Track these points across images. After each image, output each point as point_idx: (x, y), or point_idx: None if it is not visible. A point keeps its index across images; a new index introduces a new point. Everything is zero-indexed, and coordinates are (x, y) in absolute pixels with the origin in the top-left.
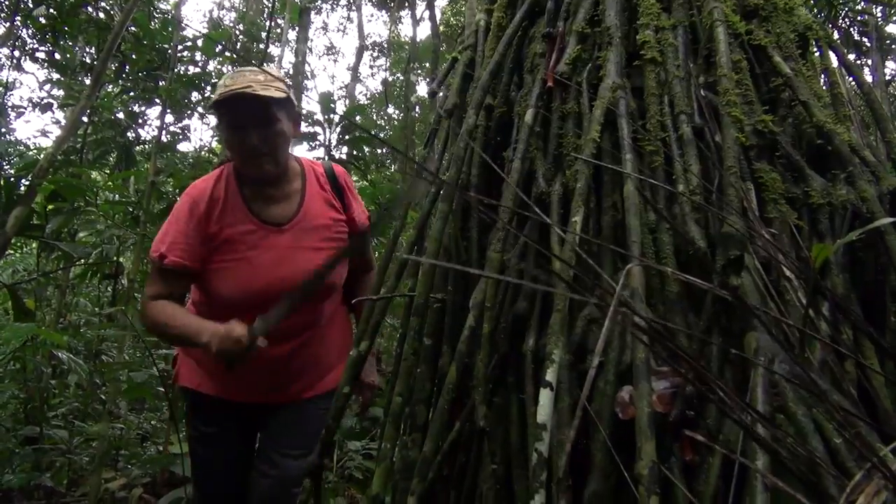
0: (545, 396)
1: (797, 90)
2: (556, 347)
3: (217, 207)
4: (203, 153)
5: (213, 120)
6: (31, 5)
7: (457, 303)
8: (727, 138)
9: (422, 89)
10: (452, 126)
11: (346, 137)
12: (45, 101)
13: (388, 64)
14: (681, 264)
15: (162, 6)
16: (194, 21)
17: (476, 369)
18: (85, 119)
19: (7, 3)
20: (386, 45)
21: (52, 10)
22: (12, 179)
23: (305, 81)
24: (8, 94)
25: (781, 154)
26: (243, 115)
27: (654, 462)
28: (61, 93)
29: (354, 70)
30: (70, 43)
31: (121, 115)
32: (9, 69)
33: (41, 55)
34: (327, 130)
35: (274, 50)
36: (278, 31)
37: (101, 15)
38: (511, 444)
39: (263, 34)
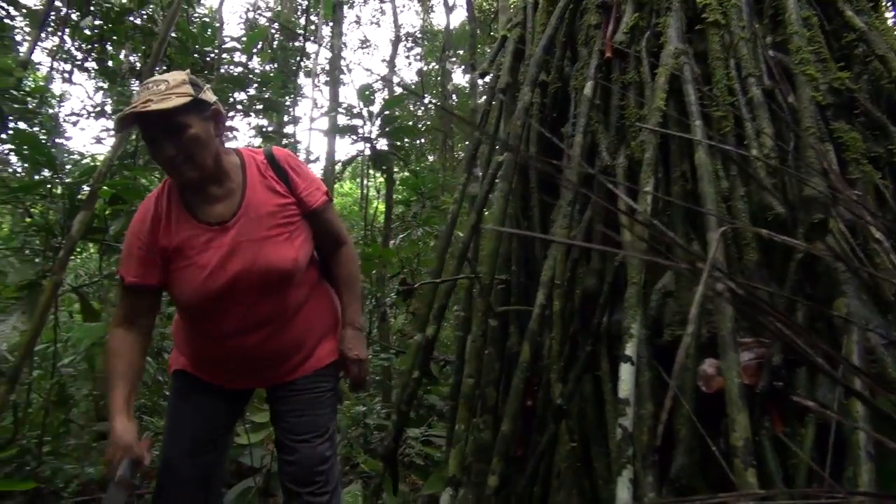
0: (626, 371)
1: (872, 44)
2: (633, 321)
3: (161, 221)
4: None
5: (254, 119)
6: (75, 18)
7: (521, 283)
8: (802, 98)
9: (458, 77)
10: (506, 105)
11: (387, 129)
12: (98, 108)
13: (422, 53)
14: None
15: (198, 10)
16: (231, 23)
17: (549, 348)
18: None
19: (54, 17)
20: (420, 35)
21: (98, 21)
22: (73, 186)
23: (342, 76)
24: (60, 105)
25: (860, 112)
26: (149, 129)
27: (748, 434)
28: (110, 101)
29: (391, 61)
30: (116, 51)
31: None
32: (60, 82)
33: (90, 65)
34: (367, 123)
35: (310, 47)
36: (313, 27)
37: (143, 21)
38: (588, 421)
39: (298, 31)
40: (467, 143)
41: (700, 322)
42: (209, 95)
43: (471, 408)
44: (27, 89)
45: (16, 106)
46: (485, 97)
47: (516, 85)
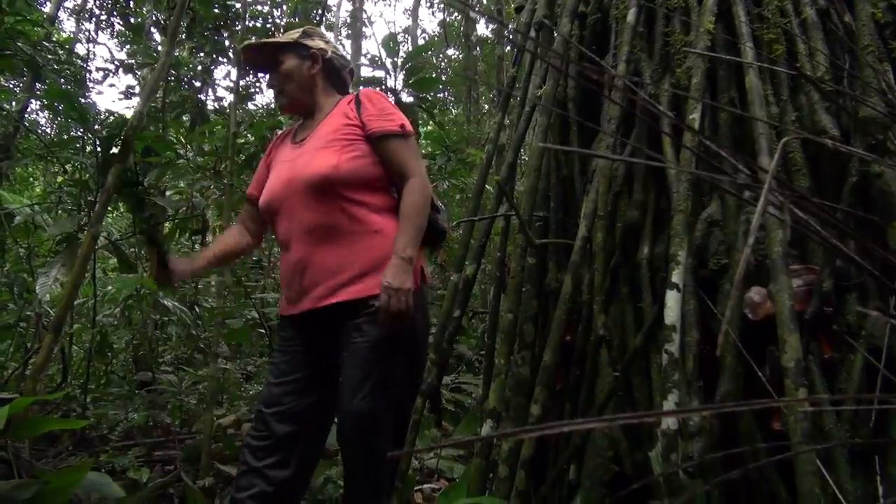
0: (672, 298)
1: None
2: (680, 249)
3: (276, 144)
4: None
5: None
6: None
7: (560, 220)
8: (861, 16)
9: (482, 28)
10: (542, 39)
11: (411, 81)
12: (124, 63)
13: (444, 3)
14: (810, 156)
15: None
16: None
17: (589, 281)
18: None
19: None
20: None
21: None
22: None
23: (364, 28)
24: (86, 64)
25: None
26: (256, 62)
27: (799, 355)
28: (137, 57)
29: (414, 12)
30: (138, 7)
31: (193, 74)
32: (84, 42)
33: (115, 21)
34: (392, 74)
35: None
36: None
37: None
38: (628, 352)
39: None
40: (493, 92)
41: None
42: (317, 42)
43: (510, 342)
44: (56, 43)
45: (50, 56)
46: (518, 34)
47: (553, 19)
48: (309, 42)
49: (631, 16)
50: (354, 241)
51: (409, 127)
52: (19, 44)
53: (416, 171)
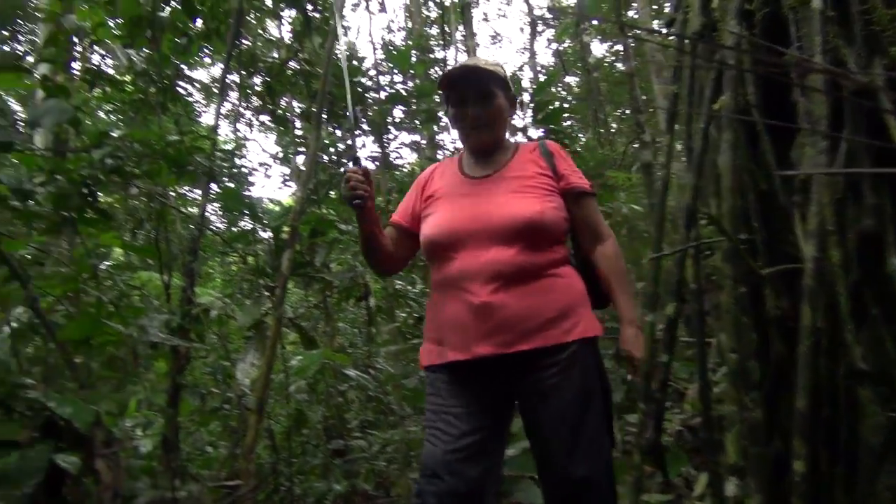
0: None
1: None
2: None
3: (435, 176)
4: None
5: (407, 136)
6: (237, 81)
7: (767, 241)
8: None
9: (597, 48)
10: (701, 50)
11: (540, 116)
12: (278, 154)
13: (554, 33)
14: None
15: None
16: (363, 49)
17: (827, 304)
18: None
19: (218, 84)
20: (550, 15)
21: (263, 76)
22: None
23: None
24: (241, 159)
25: None
26: (466, 88)
27: None
28: (283, 148)
29: (531, 46)
30: (277, 100)
31: (337, 152)
32: (235, 140)
33: (264, 119)
34: (520, 113)
35: (442, 53)
36: (447, 34)
37: (301, 65)
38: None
39: (432, 43)
40: (619, 110)
41: None
42: (511, 82)
43: (736, 385)
44: (221, 150)
45: (225, 165)
46: (671, 49)
47: (712, 26)
48: (509, 81)
49: (817, 1)
50: (545, 287)
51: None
52: (197, 157)
53: (609, 232)
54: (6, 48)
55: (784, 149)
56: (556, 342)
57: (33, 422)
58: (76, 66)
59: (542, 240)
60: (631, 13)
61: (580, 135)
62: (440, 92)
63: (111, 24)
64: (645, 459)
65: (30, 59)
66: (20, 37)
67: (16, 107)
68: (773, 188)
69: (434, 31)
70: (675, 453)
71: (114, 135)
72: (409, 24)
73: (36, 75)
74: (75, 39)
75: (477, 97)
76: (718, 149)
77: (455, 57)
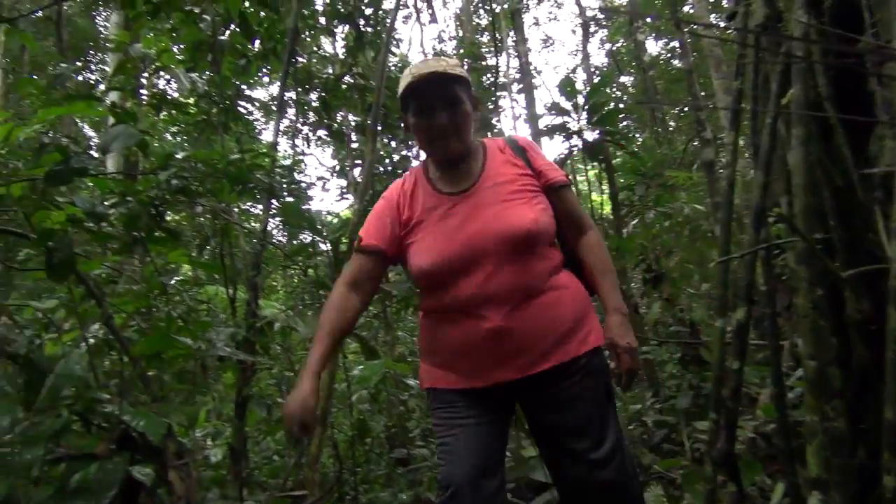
0: None
1: None
2: None
3: (407, 197)
4: None
5: None
6: (294, 97)
7: (845, 240)
8: None
9: (651, 46)
10: (766, 43)
11: (595, 118)
12: (335, 167)
13: (607, 34)
14: None
15: (391, 59)
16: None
17: None
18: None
19: (276, 102)
20: (601, 15)
21: (318, 92)
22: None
23: (533, 80)
24: (300, 174)
25: None
26: (432, 95)
27: None
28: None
29: (584, 48)
30: (333, 114)
31: (391, 163)
32: (293, 156)
33: (321, 133)
34: (574, 116)
35: (494, 60)
36: (498, 41)
37: (355, 80)
38: None
39: (483, 50)
40: (676, 108)
41: None
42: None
43: (817, 394)
44: (280, 166)
45: (285, 182)
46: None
47: (777, 16)
48: (471, 82)
49: None
50: (552, 301)
51: None
52: (258, 175)
53: (591, 222)
54: (80, 78)
55: (861, 143)
56: (574, 355)
57: (110, 434)
58: (143, 91)
59: (540, 248)
60: (686, 8)
61: (637, 134)
62: (400, 98)
63: (174, 49)
64: (717, 470)
65: (101, 87)
66: (91, 66)
67: (90, 132)
68: (850, 184)
69: (485, 38)
70: (749, 461)
71: (178, 156)
72: (460, 33)
73: (107, 101)
74: (142, 66)
75: (444, 105)
76: (787, 145)
77: (507, 63)
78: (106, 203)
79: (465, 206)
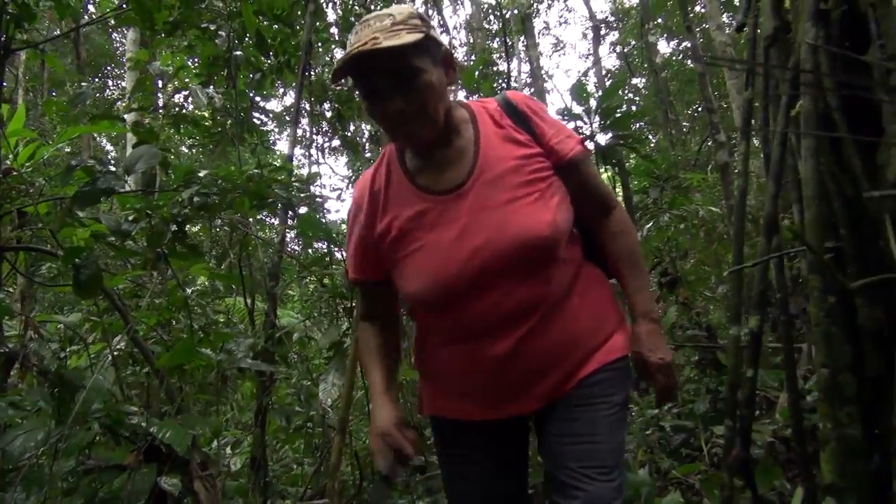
0: None
1: None
2: None
3: (380, 200)
4: None
5: None
6: (308, 108)
7: (855, 249)
8: None
9: (663, 46)
10: (775, 54)
11: (607, 122)
12: (351, 177)
13: (618, 36)
14: None
15: None
16: None
17: None
18: None
19: (290, 114)
20: (612, 18)
21: (333, 104)
22: None
23: (544, 84)
24: (315, 185)
25: None
26: (376, 74)
27: None
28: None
29: (595, 52)
30: (347, 125)
31: None
32: (308, 167)
33: (335, 144)
34: (587, 120)
35: (505, 65)
36: (508, 46)
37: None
38: None
39: (494, 56)
40: (690, 109)
41: None
42: (436, 32)
43: (830, 401)
44: (297, 179)
45: (303, 195)
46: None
47: (785, 28)
48: (435, 34)
49: None
50: (569, 315)
51: None
52: (276, 190)
53: (616, 200)
54: (98, 95)
55: (869, 153)
56: (597, 367)
57: (138, 446)
58: (161, 106)
59: (557, 253)
60: (698, 8)
61: (650, 136)
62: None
63: (190, 63)
64: (734, 476)
65: (120, 104)
66: (109, 82)
67: (107, 145)
68: (858, 192)
69: (496, 43)
70: (767, 466)
71: (200, 174)
72: (471, 40)
73: (126, 118)
74: (159, 84)
75: (396, 85)
76: (797, 154)
77: (518, 68)
78: (129, 219)
79: (459, 210)
